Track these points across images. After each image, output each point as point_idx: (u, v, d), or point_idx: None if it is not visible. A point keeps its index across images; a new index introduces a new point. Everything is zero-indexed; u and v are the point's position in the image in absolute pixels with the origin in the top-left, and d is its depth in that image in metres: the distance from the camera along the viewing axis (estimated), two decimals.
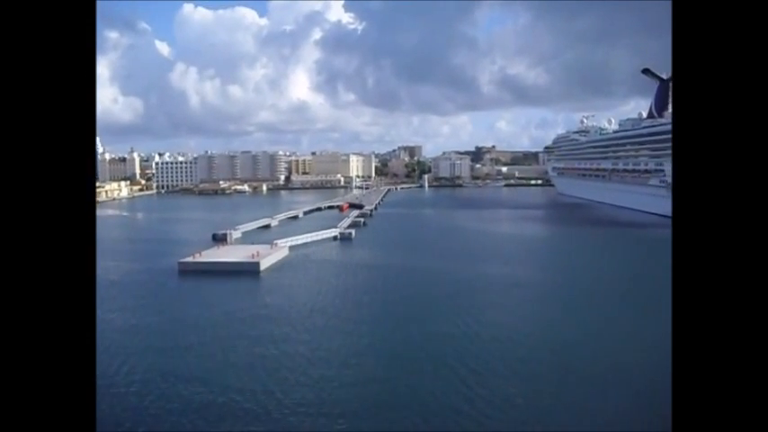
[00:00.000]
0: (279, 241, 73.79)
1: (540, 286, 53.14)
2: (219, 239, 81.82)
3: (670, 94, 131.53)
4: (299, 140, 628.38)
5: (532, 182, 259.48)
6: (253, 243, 74.04)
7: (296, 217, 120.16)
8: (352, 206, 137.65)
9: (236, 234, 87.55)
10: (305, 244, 77.81)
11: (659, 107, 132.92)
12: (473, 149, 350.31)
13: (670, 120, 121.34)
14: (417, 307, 45.33)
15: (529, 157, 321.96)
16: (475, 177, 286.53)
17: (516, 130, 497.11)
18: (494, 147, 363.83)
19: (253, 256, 63.30)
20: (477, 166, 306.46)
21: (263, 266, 60.72)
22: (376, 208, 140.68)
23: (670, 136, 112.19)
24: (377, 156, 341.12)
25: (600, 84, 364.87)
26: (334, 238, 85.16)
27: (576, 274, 58.44)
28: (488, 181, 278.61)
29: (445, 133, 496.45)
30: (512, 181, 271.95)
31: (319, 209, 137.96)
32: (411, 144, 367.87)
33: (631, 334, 36.56)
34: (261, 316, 42.76)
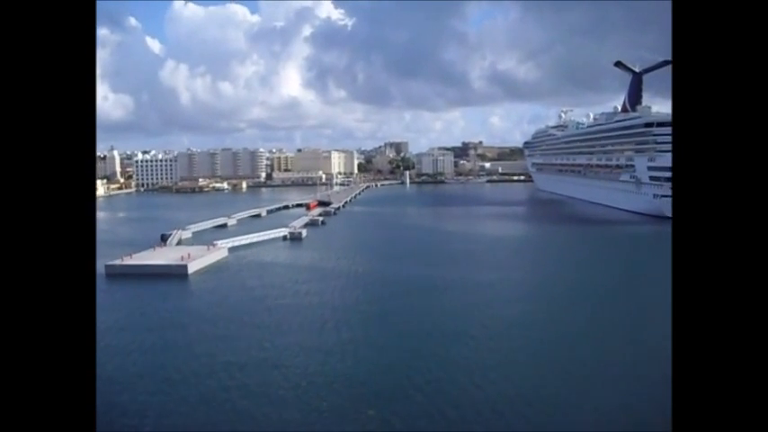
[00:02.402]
0: (219, 242, 70.89)
1: (485, 286, 50.57)
2: (165, 240, 78.84)
3: (642, 87, 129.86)
4: (291, 137, 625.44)
5: (515, 177, 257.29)
6: (203, 243, 71.05)
7: (258, 215, 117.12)
8: (321, 204, 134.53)
9: (186, 234, 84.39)
10: (249, 245, 74.74)
11: (632, 101, 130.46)
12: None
13: (642, 114, 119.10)
14: (350, 312, 42.90)
15: (515, 153, 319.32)
16: (458, 173, 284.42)
17: (508, 125, 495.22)
18: (480, 142, 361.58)
19: (182, 258, 60.54)
20: (462, 162, 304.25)
21: (191, 269, 57.84)
22: (344, 206, 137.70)
23: (641, 130, 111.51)
24: (363, 152, 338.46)
25: (590, 78, 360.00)
26: (284, 237, 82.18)
27: (540, 275, 56.02)
28: (471, 177, 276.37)
29: (437, 129, 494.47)
30: (494, 177, 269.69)
31: (287, 207, 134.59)
32: (398, 140, 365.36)
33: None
34: (157, 322, 40.11)
